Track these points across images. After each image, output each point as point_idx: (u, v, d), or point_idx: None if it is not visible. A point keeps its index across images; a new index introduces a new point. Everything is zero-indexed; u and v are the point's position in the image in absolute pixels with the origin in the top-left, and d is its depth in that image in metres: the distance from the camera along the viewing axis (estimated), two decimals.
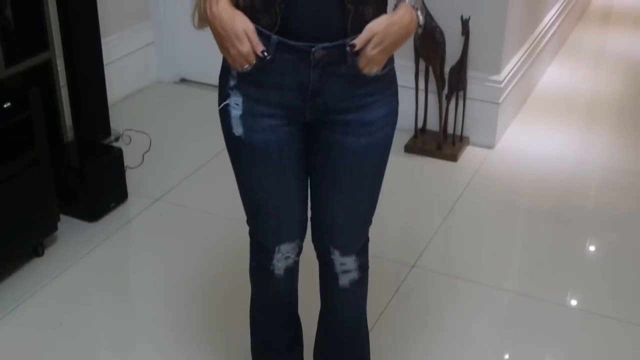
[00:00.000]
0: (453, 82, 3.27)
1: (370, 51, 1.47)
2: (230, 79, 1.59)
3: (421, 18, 1.51)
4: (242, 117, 1.59)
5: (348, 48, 1.47)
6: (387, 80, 1.61)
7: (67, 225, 2.78)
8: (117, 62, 3.63)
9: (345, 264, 1.81)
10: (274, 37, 1.49)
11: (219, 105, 1.63)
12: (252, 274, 1.91)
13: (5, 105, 2.44)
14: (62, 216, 2.74)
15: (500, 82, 3.35)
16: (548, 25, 4.08)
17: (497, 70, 3.35)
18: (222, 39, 1.51)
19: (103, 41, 3.23)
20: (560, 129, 3.66)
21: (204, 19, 1.53)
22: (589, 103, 4.03)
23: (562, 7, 4.39)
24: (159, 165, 3.23)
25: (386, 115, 1.63)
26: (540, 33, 3.93)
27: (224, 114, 1.62)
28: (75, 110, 3.13)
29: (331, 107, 1.58)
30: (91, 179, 2.81)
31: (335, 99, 1.56)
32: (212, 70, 3.97)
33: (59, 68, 2.93)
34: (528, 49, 3.72)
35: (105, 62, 3.23)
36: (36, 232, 2.61)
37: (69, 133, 3.10)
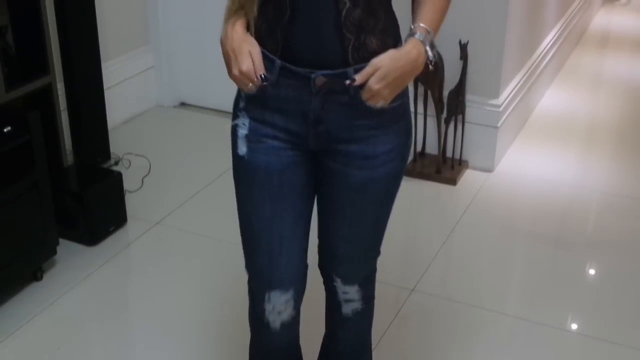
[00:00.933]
0: (452, 106, 3.28)
1: (374, 85, 1.45)
2: (241, 100, 1.60)
3: (430, 54, 1.48)
4: (247, 136, 1.59)
5: (347, 82, 1.46)
6: (394, 115, 1.57)
7: (66, 249, 2.78)
8: (117, 87, 3.65)
9: (348, 292, 1.80)
10: (278, 61, 1.49)
11: (231, 125, 1.65)
12: (249, 321, 1.85)
13: (5, 129, 2.45)
14: (61, 240, 2.74)
15: (499, 106, 3.36)
16: (546, 49, 4.11)
17: (496, 94, 3.36)
18: (229, 59, 1.52)
19: (103, 65, 3.25)
20: (559, 152, 3.67)
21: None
22: (587, 126, 4.04)
23: (559, 31, 4.42)
24: (158, 189, 3.23)
25: (391, 151, 1.59)
26: (538, 57, 3.95)
27: (233, 134, 1.63)
28: (75, 135, 3.14)
29: (333, 137, 1.57)
30: (90, 203, 2.81)
31: (336, 128, 1.55)
32: (211, 94, 4.04)
33: (59, 92, 2.94)
34: (526, 72, 3.73)
35: (105, 86, 3.25)
36: (35, 256, 2.61)
37: (69, 157, 3.11)
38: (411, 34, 1.48)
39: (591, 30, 5.47)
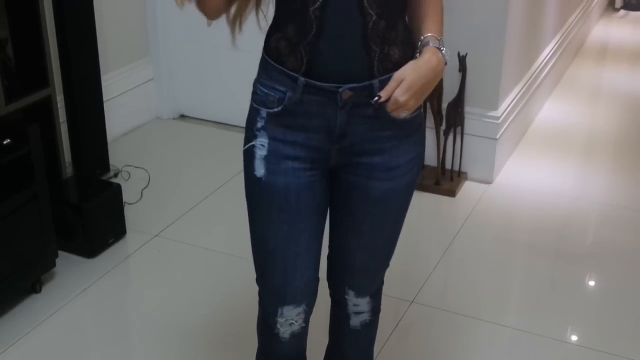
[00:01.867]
0: (451, 118, 3.29)
1: (401, 97, 1.44)
2: (259, 120, 1.58)
3: (447, 57, 1.50)
4: (266, 157, 1.57)
5: (374, 101, 1.45)
6: (414, 124, 1.61)
7: (65, 261, 2.78)
8: (116, 99, 3.65)
9: (359, 305, 1.80)
10: (301, 79, 1.49)
11: (244, 145, 1.62)
12: (257, 329, 1.87)
13: (5, 142, 2.45)
14: (60, 252, 2.74)
15: (498, 118, 3.37)
16: (544, 61, 4.12)
17: (495, 106, 3.37)
18: None
19: (103, 78, 3.26)
20: (558, 164, 3.67)
21: None
22: (586, 138, 4.05)
23: (558, 43, 4.43)
24: (157, 201, 3.24)
25: (411, 160, 1.62)
26: (537, 69, 3.97)
27: (248, 155, 1.61)
28: (74, 147, 3.15)
29: (356, 150, 1.57)
30: (90, 215, 2.81)
31: (361, 140, 1.56)
32: (211, 106, 4.05)
33: (59, 104, 2.95)
34: (525, 85, 3.74)
35: (105, 98, 3.26)
36: (34, 268, 2.61)
37: (68, 169, 3.11)
38: (425, 43, 1.49)
39: (589, 43, 5.49)
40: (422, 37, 1.50)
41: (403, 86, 1.44)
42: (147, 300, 2.67)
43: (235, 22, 1.53)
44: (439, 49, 1.48)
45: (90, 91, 3.14)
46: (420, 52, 1.49)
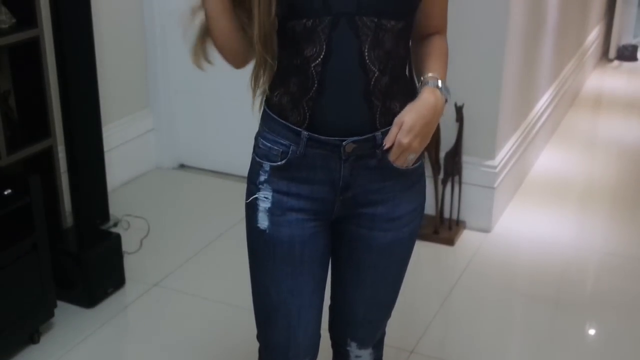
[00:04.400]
0: (448, 167, 3.32)
1: (404, 140, 1.44)
2: (262, 173, 1.58)
3: (447, 96, 1.50)
4: (270, 209, 1.58)
5: (378, 151, 1.47)
6: (416, 175, 1.62)
7: (64, 311, 2.77)
8: (117, 149, 3.68)
9: (361, 356, 1.79)
10: (304, 133, 1.50)
11: (247, 199, 1.62)
12: None
13: (5, 192, 2.46)
14: (58, 302, 2.73)
15: (495, 167, 3.39)
16: (541, 111, 4.16)
17: (492, 156, 3.40)
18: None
19: (104, 128, 3.28)
20: (556, 213, 3.69)
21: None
22: (583, 187, 4.07)
23: (553, 93, 4.48)
24: (156, 251, 3.24)
25: (413, 210, 1.63)
26: (533, 119, 4.01)
27: (252, 208, 1.60)
28: (74, 197, 3.16)
29: (360, 201, 1.58)
30: (89, 265, 2.81)
31: (364, 192, 1.57)
32: (210, 156, 4.07)
33: (59, 154, 2.97)
34: (522, 134, 3.78)
35: (105, 148, 3.28)
36: (32, 318, 2.60)
37: (68, 218, 3.12)
38: (424, 83, 1.51)
39: (584, 92, 5.55)
40: (422, 78, 1.52)
41: (404, 129, 1.44)
42: (145, 351, 2.66)
43: (257, 85, 1.56)
44: (437, 87, 1.49)
45: (91, 141, 3.16)
46: (419, 93, 1.51)
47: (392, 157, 1.47)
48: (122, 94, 3.75)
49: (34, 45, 2.75)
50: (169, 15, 3.76)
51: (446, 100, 1.51)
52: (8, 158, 2.63)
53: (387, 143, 1.45)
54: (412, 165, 1.54)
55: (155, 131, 3.99)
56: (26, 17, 2.72)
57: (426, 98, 1.48)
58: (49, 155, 2.87)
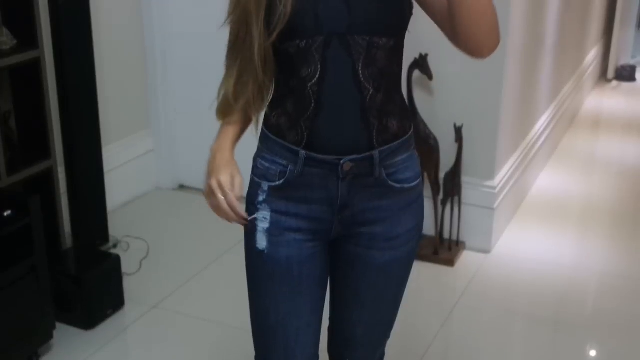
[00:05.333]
0: (448, 188, 3.32)
1: None
2: (260, 193, 1.59)
3: None
4: (268, 230, 1.58)
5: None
6: (414, 193, 1.62)
7: (63, 333, 2.76)
8: (117, 170, 3.68)
9: None
10: (302, 152, 1.51)
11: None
12: None
13: (5, 213, 2.46)
14: (57, 324, 2.71)
15: (495, 188, 3.39)
16: (540, 131, 4.17)
17: (491, 176, 3.40)
18: (209, 191, 1.68)
19: (104, 149, 3.29)
20: (556, 233, 3.68)
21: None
22: (583, 207, 4.07)
23: (553, 113, 4.50)
24: (156, 272, 3.23)
25: (411, 230, 1.63)
26: (532, 139, 4.02)
27: (250, 228, 1.61)
28: (74, 218, 3.16)
29: (358, 220, 1.58)
30: (88, 286, 2.80)
31: (362, 210, 1.57)
32: None
33: (60, 176, 2.97)
34: (521, 155, 3.79)
35: (105, 169, 3.28)
36: (31, 340, 2.58)
37: (68, 240, 3.11)
38: None
39: (583, 113, 5.56)
40: None
41: None
42: None
43: (253, 117, 1.62)
44: None
45: (91, 163, 3.17)
46: None
47: None
48: (122, 115, 3.76)
49: (35, 67, 2.77)
50: (170, 37, 3.78)
51: None
52: (8, 179, 2.63)
53: None
54: (411, 184, 1.54)
55: (155, 152, 4.00)
56: (27, 38, 2.73)
57: None
58: (49, 176, 2.88)
